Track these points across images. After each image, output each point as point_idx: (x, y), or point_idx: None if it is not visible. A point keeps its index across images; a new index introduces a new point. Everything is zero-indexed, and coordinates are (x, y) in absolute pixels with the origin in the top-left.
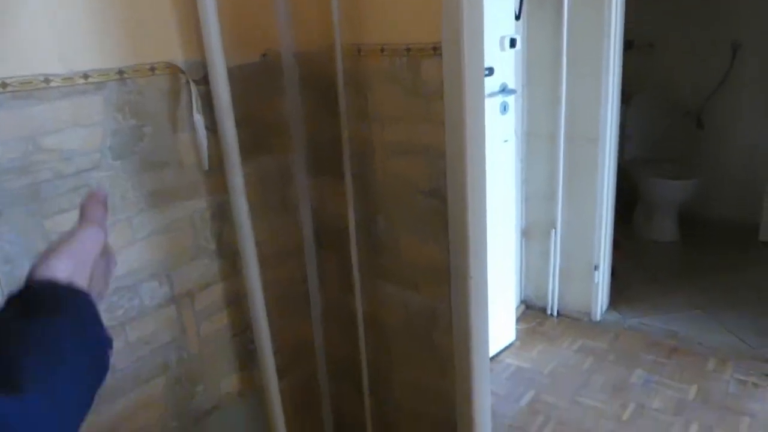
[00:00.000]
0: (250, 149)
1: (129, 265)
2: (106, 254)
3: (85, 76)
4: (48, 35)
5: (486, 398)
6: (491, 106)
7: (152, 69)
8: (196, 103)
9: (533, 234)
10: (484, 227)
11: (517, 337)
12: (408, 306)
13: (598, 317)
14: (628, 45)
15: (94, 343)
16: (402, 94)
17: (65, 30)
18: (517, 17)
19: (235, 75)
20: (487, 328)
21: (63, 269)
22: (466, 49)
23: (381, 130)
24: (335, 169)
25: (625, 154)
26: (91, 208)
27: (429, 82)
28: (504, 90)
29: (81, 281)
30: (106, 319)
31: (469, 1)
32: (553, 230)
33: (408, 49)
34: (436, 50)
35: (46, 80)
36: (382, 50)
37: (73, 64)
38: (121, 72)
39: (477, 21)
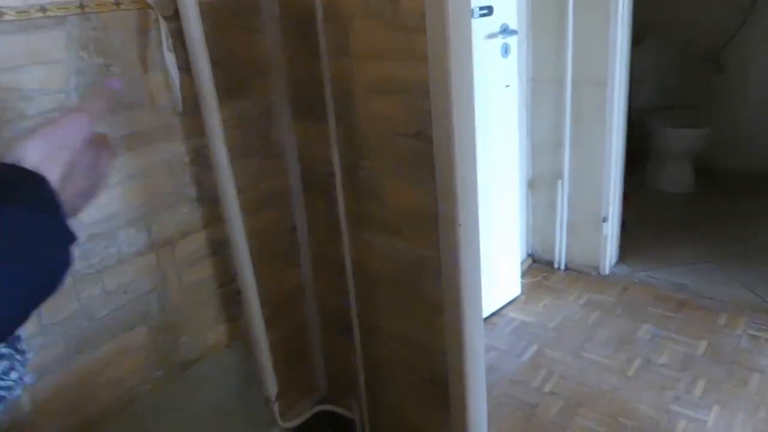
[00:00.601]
0: (228, 90)
1: (104, 211)
2: (97, 146)
3: (43, 9)
4: None
5: (478, 353)
6: (491, 48)
7: (117, 3)
8: (166, 41)
9: (539, 185)
10: (473, 171)
11: (522, 292)
12: (396, 254)
13: (607, 271)
14: None
15: (39, 239)
16: (384, 28)
17: None
18: None
19: (210, 11)
20: (479, 279)
21: (33, 151)
22: None
23: (364, 69)
24: (319, 110)
25: (636, 100)
26: (91, 96)
27: (410, 13)
28: (505, 31)
29: (52, 168)
30: (81, 266)
31: None
32: (560, 181)
33: None
34: None
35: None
36: None
37: None
38: (82, 5)
39: None
